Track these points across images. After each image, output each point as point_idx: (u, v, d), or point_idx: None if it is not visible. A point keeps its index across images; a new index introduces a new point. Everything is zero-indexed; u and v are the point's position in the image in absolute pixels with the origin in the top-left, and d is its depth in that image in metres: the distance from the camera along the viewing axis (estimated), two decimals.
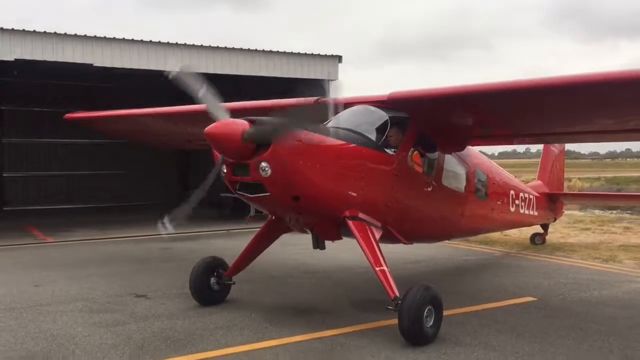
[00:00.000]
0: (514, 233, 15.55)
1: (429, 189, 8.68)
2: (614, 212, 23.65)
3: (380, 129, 8.02)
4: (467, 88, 7.98)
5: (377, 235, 7.65)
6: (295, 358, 6.28)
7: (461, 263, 12.42)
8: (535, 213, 12.71)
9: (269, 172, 6.66)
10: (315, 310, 8.29)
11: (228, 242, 14.88)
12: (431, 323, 6.73)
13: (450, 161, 9.25)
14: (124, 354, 6.42)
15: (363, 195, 7.52)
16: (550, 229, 15.51)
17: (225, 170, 7.05)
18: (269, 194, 6.87)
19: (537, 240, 14.37)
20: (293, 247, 12.37)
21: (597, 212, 23.62)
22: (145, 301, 8.75)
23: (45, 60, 16.03)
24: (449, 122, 8.75)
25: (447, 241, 13.94)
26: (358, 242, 7.35)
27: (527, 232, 14.85)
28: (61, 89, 23.19)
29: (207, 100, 7.04)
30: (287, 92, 18.27)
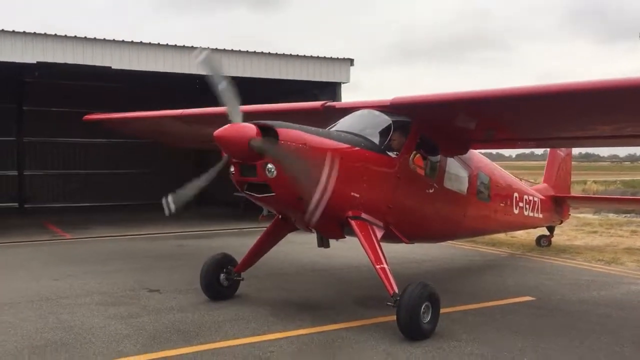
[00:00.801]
0: (521, 235, 15.75)
1: (431, 191, 8.98)
2: (628, 215, 23.59)
3: (384, 133, 8.34)
4: (467, 94, 8.28)
5: (379, 234, 7.96)
6: (299, 350, 6.62)
7: (466, 263, 12.68)
8: (540, 215, 12.91)
9: (275, 173, 7.00)
10: (319, 305, 8.63)
11: (241, 240, 15.20)
12: (428, 319, 7.04)
13: (453, 164, 9.53)
14: (137, 343, 6.80)
15: (365, 197, 7.84)
16: (557, 232, 15.69)
17: (233, 171, 7.41)
18: (274, 194, 7.22)
19: (543, 242, 14.57)
20: (301, 246, 12.68)
21: (610, 215, 23.60)
22: (158, 295, 9.16)
23: (65, 63, 16.56)
24: (450, 127, 9.04)
25: (453, 242, 14.25)
26: (360, 241, 7.68)
27: (534, 234, 15.04)
28: (81, 90, 23.81)
29: (226, 96, 7.15)
30: (299, 94, 18.73)
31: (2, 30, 15.68)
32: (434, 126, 8.89)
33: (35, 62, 16.26)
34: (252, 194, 7.47)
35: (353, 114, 8.92)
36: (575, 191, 32.81)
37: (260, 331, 7.29)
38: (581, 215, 23.18)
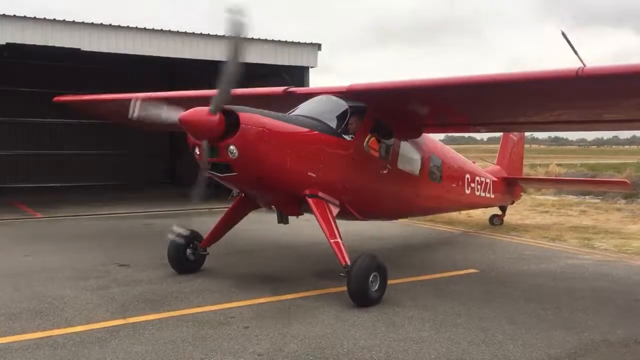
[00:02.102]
0: (477, 214, 16.59)
1: (385, 172, 9.63)
2: (587, 197, 24.59)
3: (341, 117, 8.96)
4: (417, 82, 8.97)
5: (335, 211, 8.61)
6: (256, 315, 7.24)
7: (422, 240, 13.46)
8: (492, 196, 13.74)
9: (236, 154, 7.56)
10: (280, 278, 9.26)
11: (210, 219, 15.65)
12: (376, 287, 7.72)
13: (406, 147, 10.20)
14: (107, 311, 7.35)
15: (322, 176, 8.46)
16: (511, 211, 16.60)
17: (198, 152, 7.94)
18: (236, 173, 7.78)
19: (496, 221, 15.44)
20: (267, 225, 13.19)
21: (570, 196, 24.52)
22: (128, 270, 9.68)
23: (34, 45, 16.72)
24: (404, 112, 9.70)
25: (413, 221, 15.05)
26: (316, 217, 8.30)
27: (490, 213, 15.83)
28: (52, 70, 23.87)
29: (168, 112, 7.92)
30: (267, 78, 19.17)
31: None
32: (389, 111, 9.55)
33: (4, 43, 16.39)
34: (215, 173, 8.01)
35: (313, 99, 9.51)
36: (539, 173, 33.99)
37: (222, 300, 7.88)
38: (541, 197, 24.20)
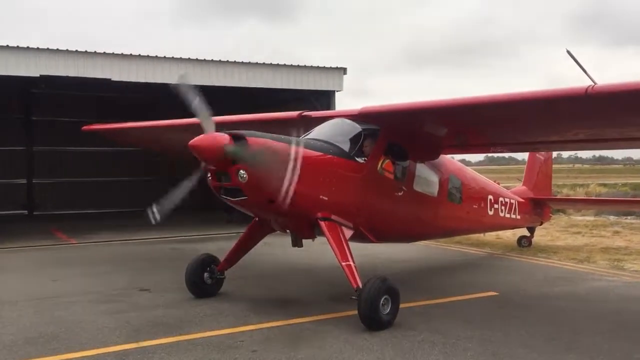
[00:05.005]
0: (507, 236, 16.25)
1: (400, 194, 9.56)
2: (629, 217, 23.75)
3: (353, 140, 8.97)
4: (428, 104, 8.93)
5: (348, 234, 8.58)
6: (266, 339, 7.24)
7: (445, 263, 13.25)
8: (518, 217, 13.45)
9: (246, 178, 7.66)
10: (295, 302, 9.26)
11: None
12: (387, 311, 7.64)
13: (423, 168, 10.12)
14: (121, 334, 7.47)
15: (334, 199, 8.46)
16: (542, 232, 16.22)
17: (210, 177, 8.07)
18: (247, 197, 7.87)
19: (524, 242, 15.09)
20: (286, 249, 13.24)
21: (611, 217, 23.71)
22: (147, 294, 9.83)
23: (67, 76, 17.35)
24: (419, 133, 9.64)
25: (439, 243, 14.86)
26: (328, 240, 8.30)
27: (519, 234, 15.48)
28: (86, 100, 24.67)
29: (199, 110, 7.91)
30: (294, 102, 19.37)
31: (7, 45, 16.50)
32: (403, 133, 9.50)
33: (38, 75, 17.05)
34: (227, 197, 8.13)
35: (327, 122, 9.58)
36: (579, 194, 33.02)
37: (236, 324, 7.90)
38: (580, 217, 23.52)
